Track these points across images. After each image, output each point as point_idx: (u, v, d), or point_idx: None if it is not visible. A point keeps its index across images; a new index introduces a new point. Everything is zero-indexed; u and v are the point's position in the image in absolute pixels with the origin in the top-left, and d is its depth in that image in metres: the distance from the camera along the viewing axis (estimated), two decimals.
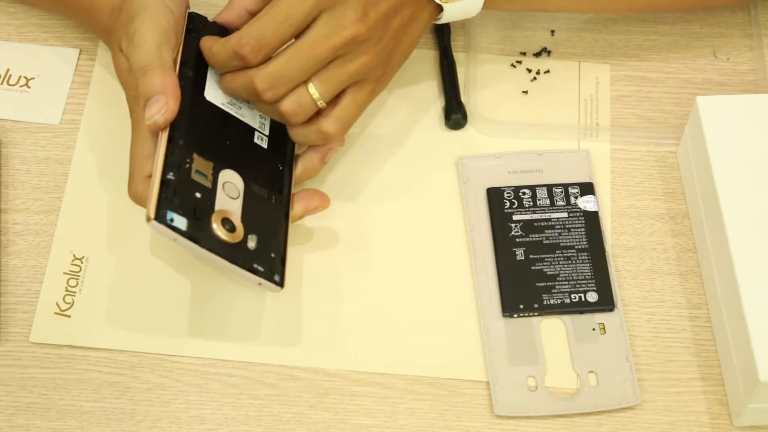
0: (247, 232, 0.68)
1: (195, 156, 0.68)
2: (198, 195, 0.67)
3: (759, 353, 0.65)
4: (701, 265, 0.75)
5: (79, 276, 0.74)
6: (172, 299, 0.72)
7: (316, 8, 0.67)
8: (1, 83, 0.81)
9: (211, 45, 0.71)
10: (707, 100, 0.74)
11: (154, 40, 0.70)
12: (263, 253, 0.68)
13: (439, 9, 0.73)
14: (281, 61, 0.68)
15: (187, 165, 0.67)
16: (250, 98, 0.71)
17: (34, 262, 0.75)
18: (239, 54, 0.68)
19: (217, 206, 0.67)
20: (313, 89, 0.69)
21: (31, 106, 0.81)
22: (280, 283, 0.69)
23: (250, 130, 0.73)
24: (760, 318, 0.66)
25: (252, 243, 0.68)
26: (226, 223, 0.67)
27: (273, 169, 0.73)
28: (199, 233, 0.65)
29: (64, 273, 0.74)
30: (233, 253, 0.66)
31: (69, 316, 0.73)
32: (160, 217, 0.64)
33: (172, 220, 0.64)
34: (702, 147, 0.73)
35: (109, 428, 0.69)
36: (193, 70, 0.71)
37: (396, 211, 0.77)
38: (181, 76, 0.70)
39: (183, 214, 0.65)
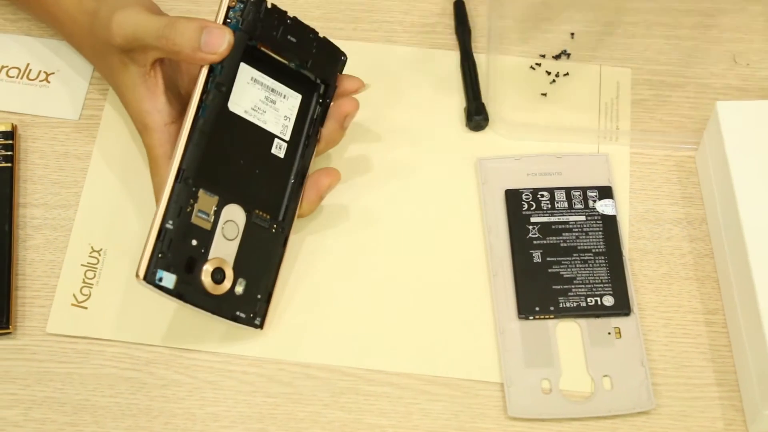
0: (237, 276, 0.69)
1: (201, 193, 0.68)
2: (194, 242, 0.67)
3: None
4: (718, 271, 0.75)
5: (96, 268, 0.75)
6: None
7: None
8: (21, 78, 0.82)
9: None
10: (727, 105, 0.75)
11: (147, 8, 0.72)
12: (248, 297, 0.70)
13: None
14: None
15: (190, 208, 0.67)
16: None
17: (51, 256, 0.75)
18: None
19: (212, 254, 0.68)
20: None
21: (51, 101, 0.81)
22: (260, 326, 0.71)
23: (269, 139, 0.72)
24: None
25: (240, 288, 0.69)
26: (217, 273, 0.68)
27: (282, 184, 0.73)
28: (186, 289, 0.66)
29: (82, 265, 0.75)
30: (217, 305, 0.68)
31: (86, 308, 0.73)
32: (148, 276, 0.65)
33: (161, 279, 0.65)
34: (721, 152, 0.73)
35: (124, 423, 0.70)
36: (225, 73, 0.70)
37: (414, 210, 0.78)
38: (212, 86, 0.70)
39: (174, 271, 0.66)
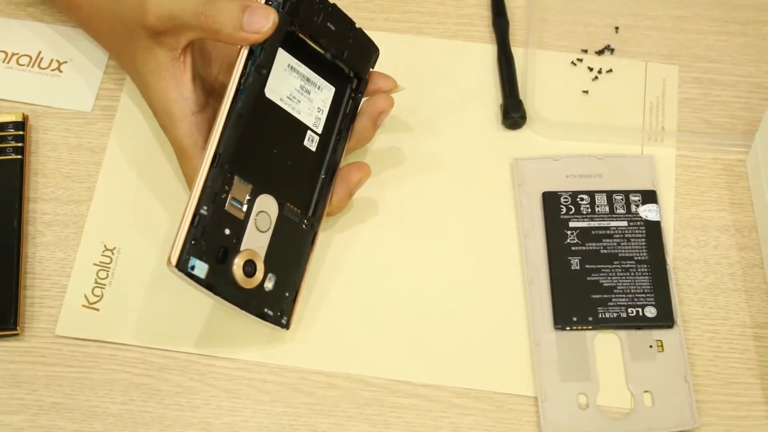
0: (267, 271, 0.70)
1: (235, 180, 0.69)
2: (227, 231, 0.68)
3: None
4: None
5: (109, 268, 0.76)
6: (207, 298, 0.72)
7: None
8: (32, 66, 0.83)
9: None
10: None
11: None
12: (277, 294, 0.71)
13: None
14: None
15: (224, 195, 0.68)
16: None
17: (62, 254, 0.76)
18: None
19: (244, 245, 0.69)
20: None
21: (63, 91, 0.82)
22: (287, 326, 0.72)
23: (302, 130, 0.74)
24: None
25: (269, 284, 0.70)
26: (248, 265, 0.69)
27: (313, 179, 0.74)
28: (217, 280, 0.67)
29: (94, 264, 0.76)
30: (246, 300, 0.69)
31: (97, 310, 0.74)
32: (181, 263, 0.65)
33: (193, 267, 0.66)
34: None
35: None
36: (266, 55, 0.71)
37: (446, 212, 0.78)
38: (252, 68, 0.70)
39: (206, 260, 0.66)
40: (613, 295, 0.74)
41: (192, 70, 0.73)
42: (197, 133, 0.72)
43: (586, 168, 0.79)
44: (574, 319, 0.73)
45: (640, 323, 0.73)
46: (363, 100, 0.77)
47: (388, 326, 0.74)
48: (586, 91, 0.83)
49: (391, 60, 0.79)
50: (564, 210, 0.77)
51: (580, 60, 0.84)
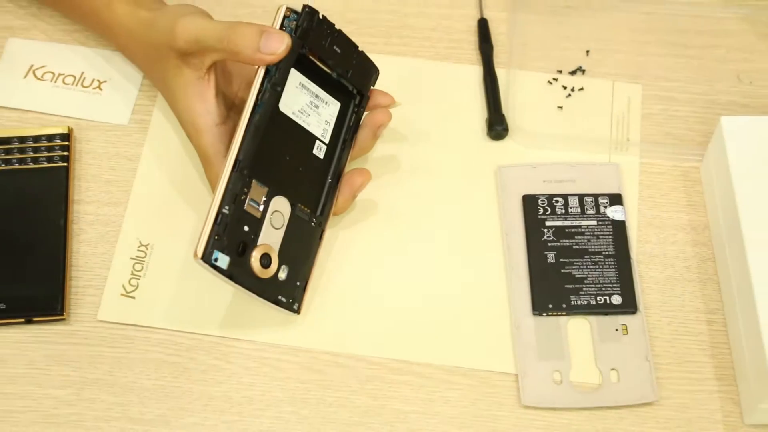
0: (281, 263, 0.73)
1: (253, 183, 0.72)
2: (246, 228, 0.71)
3: None
4: (719, 274, 0.78)
5: (144, 261, 0.79)
6: (229, 286, 0.72)
7: None
8: (76, 84, 0.86)
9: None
10: (731, 120, 0.78)
11: (205, 15, 0.76)
12: (290, 283, 0.74)
13: None
14: None
15: (243, 196, 0.71)
16: None
17: (102, 249, 0.80)
18: None
19: (261, 240, 0.72)
20: None
21: (103, 106, 0.86)
22: (298, 311, 0.75)
23: (312, 140, 0.77)
24: None
25: (283, 274, 0.74)
26: (265, 258, 0.72)
27: (321, 182, 0.77)
28: (237, 270, 0.70)
29: (131, 258, 0.79)
30: (262, 288, 0.72)
31: (134, 298, 0.78)
32: (206, 256, 0.69)
33: (216, 259, 0.69)
34: (724, 164, 0.77)
35: (167, 405, 0.74)
36: (280, 74, 0.74)
37: (438, 213, 0.81)
38: (268, 85, 0.74)
39: (228, 253, 0.70)
40: (584, 285, 0.77)
41: (215, 87, 0.77)
42: (219, 143, 0.76)
43: (561, 174, 0.82)
44: (550, 306, 0.76)
45: (607, 310, 0.76)
46: (365, 114, 0.80)
47: (387, 312, 0.77)
48: (561, 107, 0.86)
49: (389, 79, 0.82)
50: (541, 211, 0.80)
51: (556, 79, 0.87)
